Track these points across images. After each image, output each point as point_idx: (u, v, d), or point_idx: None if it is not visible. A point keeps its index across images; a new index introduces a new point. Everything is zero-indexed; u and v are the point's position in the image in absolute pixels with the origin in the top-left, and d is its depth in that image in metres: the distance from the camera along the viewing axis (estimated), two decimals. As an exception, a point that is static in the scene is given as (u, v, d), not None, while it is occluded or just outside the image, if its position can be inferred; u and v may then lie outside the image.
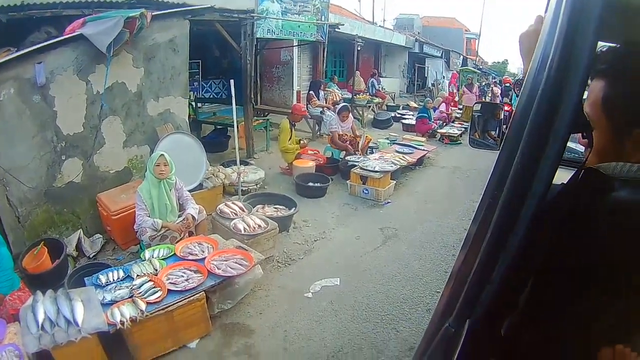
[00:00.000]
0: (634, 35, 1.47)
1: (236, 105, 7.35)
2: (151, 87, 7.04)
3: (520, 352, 1.39)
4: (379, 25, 27.70)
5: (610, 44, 1.36)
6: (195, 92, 14.52)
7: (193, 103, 11.83)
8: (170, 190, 5.63)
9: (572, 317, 1.26)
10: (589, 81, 1.30)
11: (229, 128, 11.09)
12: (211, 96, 16.02)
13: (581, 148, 1.48)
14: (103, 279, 4.47)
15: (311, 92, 13.93)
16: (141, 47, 6.79)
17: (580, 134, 1.36)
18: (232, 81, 7.20)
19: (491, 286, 1.09)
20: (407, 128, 15.92)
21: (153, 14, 6.61)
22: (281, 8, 10.70)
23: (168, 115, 7.37)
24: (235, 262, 4.87)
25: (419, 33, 32.48)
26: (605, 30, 1.28)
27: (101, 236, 6.25)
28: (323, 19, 12.54)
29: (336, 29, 13.74)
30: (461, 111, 18.02)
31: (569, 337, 1.27)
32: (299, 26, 11.63)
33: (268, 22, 10.29)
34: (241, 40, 9.75)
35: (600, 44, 1.28)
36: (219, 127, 11.63)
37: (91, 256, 5.90)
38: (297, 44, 14.71)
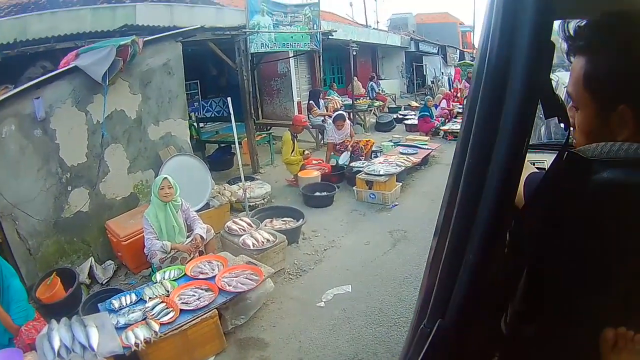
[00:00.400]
0: (609, 6, 1.34)
1: (237, 121, 7.39)
2: (150, 111, 7.12)
3: (523, 347, 1.38)
4: (373, 28, 27.71)
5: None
6: (197, 112, 14.56)
7: (195, 124, 11.84)
8: (176, 212, 5.67)
9: (569, 305, 1.24)
10: (571, 59, 1.28)
11: (232, 145, 11.07)
12: (212, 115, 16.09)
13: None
14: (116, 303, 4.52)
15: (311, 101, 13.96)
16: (136, 74, 6.87)
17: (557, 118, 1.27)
18: (229, 99, 7.23)
19: (461, 284, 1.07)
20: (410, 128, 15.87)
21: (144, 39, 6.69)
22: (272, 21, 10.76)
23: (169, 138, 7.43)
24: (246, 278, 4.91)
25: (413, 31, 32.27)
26: (569, 7, 1.38)
27: (113, 262, 6.31)
28: (315, 28, 12.59)
29: (330, 36, 13.76)
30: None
31: (568, 326, 1.24)
32: (292, 37, 11.69)
33: (261, 36, 10.36)
34: (236, 57, 9.80)
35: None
36: (222, 145, 11.63)
37: (104, 282, 5.96)
38: (292, 55, 14.69)
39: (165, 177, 5.58)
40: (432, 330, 1.12)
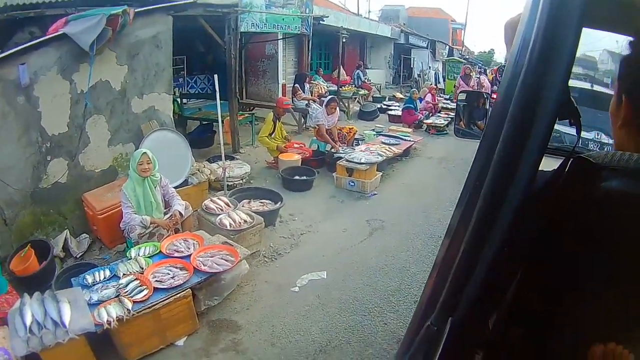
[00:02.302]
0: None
1: (221, 100, 7.34)
2: (135, 84, 7.02)
3: (508, 346, 1.38)
4: (364, 17, 27.65)
5: None
6: (181, 88, 14.40)
7: (178, 99, 11.78)
8: (155, 187, 5.63)
9: (561, 310, 1.24)
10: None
11: (214, 123, 10.98)
12: (196, 92, 15.84)
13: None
14: (89, 279, 4.48)
15: (296, 85, 13.93)
16: (125, 45, 6.76)
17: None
18: (215, 76, 7.17)
19: (475, 281, 1.05)
20: (393, 119, 15.92)
21: (136, 10, 6.57)
22: (265, 1, 10.61)
23: (153, 112, 7.35)
24: (221, 258, 4.90)
25: (404, 24, 32.26)
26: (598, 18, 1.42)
27: (88, 236, 6.24)
28: (307, 12, 12.47)
29: (321, 21, 13.65)
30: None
31: (559, 329, 1.24)
32: (283, 19, 11.55)
33: (252, 15, 10.22)
34: (225, 35, 9.71)
35: None
36: (204, 122, 11.54)
37: (78, 256, 5.89)
38: (281, 37, 14.61)
39: (145, 152, 5.51)
40: (440, 328, 1.10)
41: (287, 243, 6.42)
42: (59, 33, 5.89)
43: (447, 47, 34.22)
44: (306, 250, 6.28)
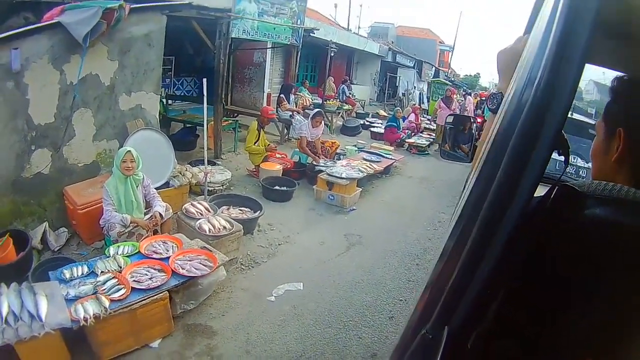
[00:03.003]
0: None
1: (207, 104, 7.33)
2: (124, 81, 6.98)
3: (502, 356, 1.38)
4: (354, 32, 27.80)
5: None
6: (167, 89, 14.35)
7: (163, 100, 11.73)
8: (137, 186, 5.61)
9: (547, 330, 1.27)
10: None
11: (197, 127, 11.06)
12: (182, 94, 15.79)
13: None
14: (67, 273, 4.45)
15: (282, 95, 13.96)
16: (117, 40, 6.72)
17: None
18: (204, 80, 7.17)
19: (470, 293, 1.07)
20: (376, 136, 16.06)
21: (131, 6, 6.53)
22: (258, 9, 10.65)
23: (139, 110, 7.31)
24: (200, 263, 4.89)
25: (392, 42, 32.59)
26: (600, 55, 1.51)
27: (66, 230, 6.16)
28: (299, 23, 12.58)
29: (311, 34, 13.78)
30: (434, 131, 17.33)
31: (545, 349, 1.27)
32: (274, 28, 11.61)
33: (244, 22, 10.26)
34: (216, 39, 9.71)
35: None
36: (188, 125, 11.52)
37: (56, 250, 5.82)
38: (270, 46, 14.59)
39: (129, 150, 5.49)
40: (435, 336, 1.12)
41: (265, 252, 6.41)
42: (53, 21, 5.82)
43: (434, 68, 34.52)
44: (283, 261, 6.27)
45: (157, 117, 7.82)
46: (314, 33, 14.01)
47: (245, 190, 8.82)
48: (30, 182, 5.96)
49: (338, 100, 18.86)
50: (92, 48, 6.20)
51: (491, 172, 1.07)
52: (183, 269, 4.72)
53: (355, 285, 5.78)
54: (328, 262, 6.34)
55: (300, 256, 6.44)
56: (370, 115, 20.34)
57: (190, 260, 4.91)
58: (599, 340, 1.20)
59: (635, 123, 1.28)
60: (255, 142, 9.62)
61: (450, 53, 45.05)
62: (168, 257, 4.90)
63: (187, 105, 13.57)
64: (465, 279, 1.09)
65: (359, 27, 35.91)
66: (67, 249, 5.96)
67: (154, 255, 4.97)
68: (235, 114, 13.86)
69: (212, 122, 10.31)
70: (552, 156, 1.04)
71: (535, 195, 1.19)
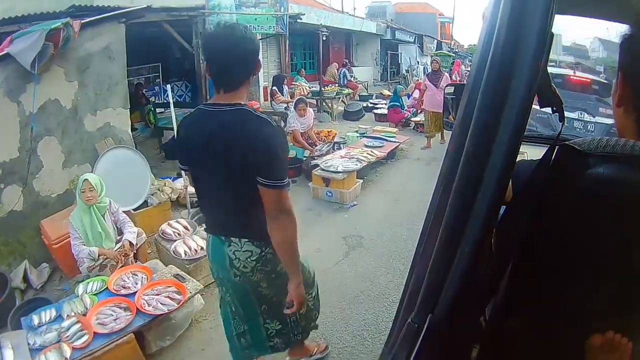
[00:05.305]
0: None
1: (190, 108, 7.02)
2: (87, 100, 6.63)
3: (505, 340, 1.41)
4: (349, 14, 27.42)
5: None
6: (157, 97, 14.05)
7: (152, 109, 11.55)
8: (103, 215, 5.18)
9: (557, 302, 1.25)
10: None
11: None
12: (174, 99, 15.43)
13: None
14: (36, 319, 4.13)
15: (274, 87, 13.49)
16: (73, 59, 6.38)
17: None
18: (168, 86, 7.05)
19: (455, 276, 1.04)
20: (380, 118, 15.50)
21: (82, 21, 6.20)
22: (235, 1, 10.26)
23: (108, 129, 6.93)
24: (167, 297, 4.40)
25: (391, 20, 32.42)
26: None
27: (47, 265, 5.88)
28: (282, 10, 12.11)
29: (298, 20, 13.31)
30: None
31: (556, 323, 1.25)
32: (255, 19, 11.19)
33: (221, 17, 9.80)
34: (193, 40, 9.32)
35: None
36: (179, 132, 11.04)
37: (38, 287, 5.56)
38: (260, 37, 14.14)
39: (86, 179, 5.05)
40: (422, 325, 1.09)
41: (253, 269, 5.86)
42: (3, 53, 5.63)
43: (435, 41, 34.65)
44: (273, 277, 5.71)
45: (130, 132, 7.45)
46: (301, 19, 13.51)
47: (239, 195, 8.27)
48: (5, 221, 5.77)
49: (338, 85, 18.45)
50: (46, 73, 5.97)
51: (463, 134, 1.03)
52: (149, 305, 4.25)
53: (354, 299, 5.21)
54: (324, 274, 5.67)
55: (292, 268, 5.84)
56: (373, 96, 19.84)
57: (157, 294, 4.41)
58: (615, 309, 1.17)
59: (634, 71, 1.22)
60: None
61: (451, 24, 44.82)
62: (136, 292, 4.45)
63: (177, 112, 13.24)
64: (445, 261, 1.06)
65: (354, 9, 35.68)
66: (50, 285, 5.69)
67: (122, 291, 4.51)
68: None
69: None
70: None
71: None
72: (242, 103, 2.63)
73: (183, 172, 6.83)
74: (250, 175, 2.55)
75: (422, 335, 1.07)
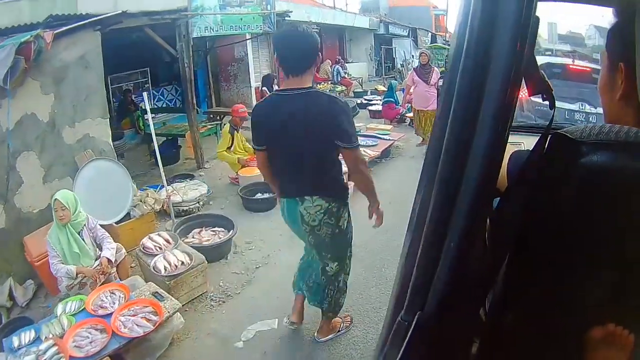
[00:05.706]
0: None
1: (182, 112, 6.86)
2: (65, 112, 6.48)
3: (504, 333, 1.41)
4: (341, 10, 27.29)
5: None
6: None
7: (140, 116, 11.50)
8: (79, 232, 5.04)
9: (553, 293, 1.25)
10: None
11: (179, 138, 10.62)
12: (164, 104, 15.35)
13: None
14: (16, 341, 4.07)
15: (264, 88, 13.06)
16: (48, 71, 6.25)
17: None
18: (145, 94, 6.73)
19: (443, 271, 1.03)
20: (374, 115, 15.33)
21: (55, 32, 6.04)
22: (219, 2, 10.07)
23: (88, 140, 6.77)
24: (144, 317, 4.23)
25: (385, 14, 32.37)
26: None
27: (32, 282, 5.79)
28: (269, 8, 11.93)
29: (286, 17, 13.02)
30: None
31: (551, 314, 1.26)
32: (241, 19, 10.95)
33: (205, 19, 9.62)
34: (177, 43, 9.14)
35: None
36: (169, 137, 11.01)
37: (23, 305, 5.48)
38: (250, 37, 14.17)
39: (56, 198, 4.90)
40: (411, 323, 1.07)
41: (239, 280, 5.68)
42: None
43: (430, 34, 34.70)
44: (259, 290, 5.51)
45: (110, 143, 7.28)
46: (290, 16, 13.25)
47: (227, 202, 8.19)
48: (-11, 239, 5.65)
49: (331, 82, 18.31)
50: (20, 87, 5.88)
51: (444, 120, 1.00)
52: (125, 327, 4.10)
53: (342, 313, 4.79)
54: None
55: (278, 282, 5.54)
56: (368, 92, 19.74)
57: (133, 315, 4.25)
58: (611, 297, 1.19)
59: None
60: (230, 147, 8.87)
61: (445, 17, 44.77)
62: (112, 313, 4.30)
63: (166, 117, 13.12)
64: (431, 256, 1.05)
65: (346, 4, 35.67)
66: (35, 302, 5.61)
67: (100, 311, 4.34)
68: (222, 116, 13.20)
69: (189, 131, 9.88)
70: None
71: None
72: (312, 86, 3.38)
73: (165, 183, 6.73)
74: (329, 142, 3.32)
75: (410, 332, 1.05)
